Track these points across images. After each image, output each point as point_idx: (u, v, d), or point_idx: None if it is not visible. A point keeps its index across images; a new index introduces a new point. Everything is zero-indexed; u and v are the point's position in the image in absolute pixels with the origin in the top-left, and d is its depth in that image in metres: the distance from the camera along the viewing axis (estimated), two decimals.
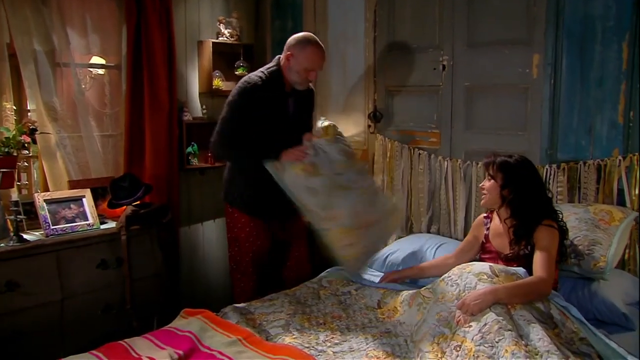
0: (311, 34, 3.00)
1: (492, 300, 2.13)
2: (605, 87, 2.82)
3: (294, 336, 2.27)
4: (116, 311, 3.09)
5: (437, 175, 3.50)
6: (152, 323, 3.10)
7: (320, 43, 2.94)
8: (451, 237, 3.43)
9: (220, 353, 2.07)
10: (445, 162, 3.45)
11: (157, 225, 3.34)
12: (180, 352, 2.09)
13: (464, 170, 3.37)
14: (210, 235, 4.30)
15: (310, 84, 3.08)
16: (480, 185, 2.66)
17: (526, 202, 2.46)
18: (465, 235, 3.34)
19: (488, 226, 2.65)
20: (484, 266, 2.33)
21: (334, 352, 2.17)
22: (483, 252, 2.66)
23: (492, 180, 2.52)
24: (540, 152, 3.04)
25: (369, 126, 3.84)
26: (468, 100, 3.37)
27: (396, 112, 3.74)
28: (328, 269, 3.02)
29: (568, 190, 2.96)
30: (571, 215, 2.69)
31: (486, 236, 2.64)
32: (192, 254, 4.15)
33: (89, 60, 3.55)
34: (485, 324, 2.04)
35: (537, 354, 1.91)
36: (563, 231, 2.47)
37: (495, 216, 2.65)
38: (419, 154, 3.56)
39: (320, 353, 2.14)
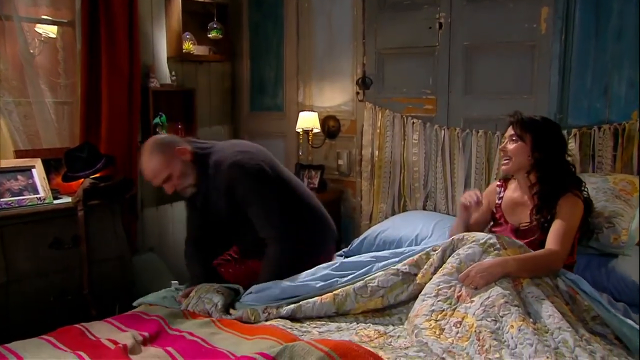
0: (150, 139, 2.56)
1: (500, 273, 2.01)
2: (624, 41, 2.71)
3: (275, 318, 2.12)
4: (72, 297, 2.90)
5: (433, 146, 3.39)
6: (114, 311, 2.90)
7: (150, 150, 2.42)
8: (449, 214, 3.31)
9: (191, 334, 1.94)
10: (442, 132, 3.33)
11: (119, 201, 3.15)
12: (146, 334, 1.95)
13: (462, 139, 3.26)
14: (181, 218, 4.07)
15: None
16: (500, 147, 2.49)
17: (556, 166, 2.32)
18: None
19: (501, 195, 2.50)
20: (488, 235, 2.20)
21: (319, 332, 2.05)
22: (493, 223, 2.51)
23: (519, 142, 2.34)
24: (548, 117, 2.90)
25: (358, 94, 3.72)
26: (467, 61, 3.27)
27: (387, 78, 3.62)
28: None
29: (581, 159, 2.86)
30: (588, 185, 2.56)
31: (497, 206, 2.49)
32: (160, 238, 3.94)
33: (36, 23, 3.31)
34: (489, 297, 1.94)
35: (547, 332, 1.82)
36: (588, 205, 2.34)
37: (510, 185, 2.48)
38: (413, 123, 3.45)
39: (304, 333, 2.02)
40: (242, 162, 2.42)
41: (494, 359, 1.75)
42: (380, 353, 1.76)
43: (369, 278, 2.20)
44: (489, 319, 1.87)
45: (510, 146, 2.36)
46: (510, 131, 2.38)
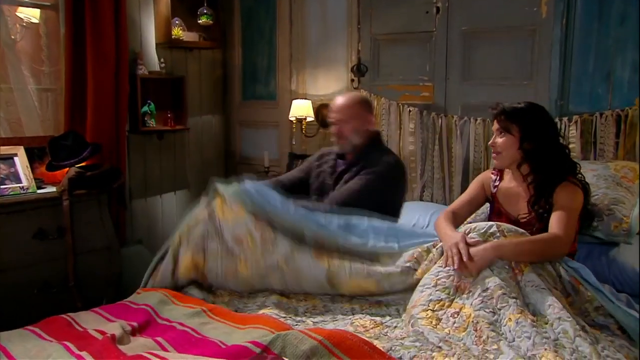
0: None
1: (493, 255, 1.98)
2: (628, 24, 2.68)
3: (269, 308, 2.11)
4: (57, 290, 2.88)
5: (430, 134, 3.35)
6: (100, 304, 2.84)
7: (356, 95, 2.97)
8: (446, 205, 3.27)
9: (182, 324, 1.91)
10: (440, 119, 3.31)
11: (106, 191, 3.12)
12: (135, 323, 1.92)
13: (460, 127, 3.23)
14: (170, 210, 4.07)
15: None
16: (489, 143, 2.44)
17: (549, 154, 2.27)
18: None
19: (496, 184, 2.46)
20: (489, 224, 2.16)
21: (313, 322, 2.03)
22: (492, 214, 2.47)
23: (507, 135, 2.30)
24: (549, 104, 2.90)
25: (352, 81, 3.70)
26: (465, 47, 3.24)
27: (383, 64, 3.60)
28: None
29: (582, 146, 2.84)
30: (588, 172, 2.55)
31: (493, 195, 2.45)
32: (149, 230, 3.90)
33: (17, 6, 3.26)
34: (487, 288, 1.91)
35: (546, 323, 1.80)
36: (586, 190, 2.30)
37: (506, 176, 2.44)
38: (409, 110, 3.42)
39: (299, 323, 2.00)
40: (400, 169, 2.68)
41: (492, 350, 1.73)
42: (376, 342, 1.74)
43: (368, 262, 2.20)
44: (486, 310, 1.85)
45: (499, 140, 2.32)
46: (496, 124, 2.33)
